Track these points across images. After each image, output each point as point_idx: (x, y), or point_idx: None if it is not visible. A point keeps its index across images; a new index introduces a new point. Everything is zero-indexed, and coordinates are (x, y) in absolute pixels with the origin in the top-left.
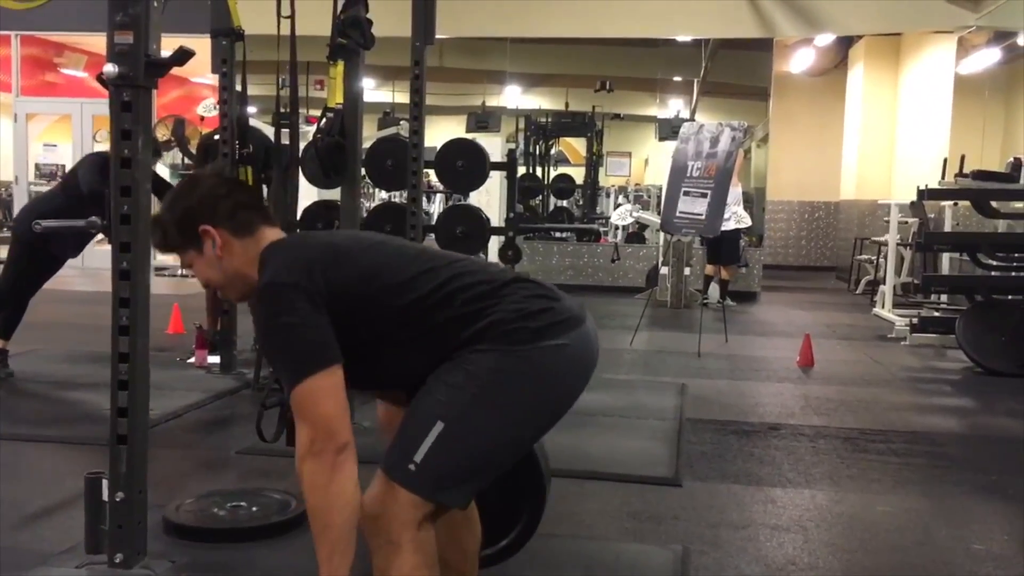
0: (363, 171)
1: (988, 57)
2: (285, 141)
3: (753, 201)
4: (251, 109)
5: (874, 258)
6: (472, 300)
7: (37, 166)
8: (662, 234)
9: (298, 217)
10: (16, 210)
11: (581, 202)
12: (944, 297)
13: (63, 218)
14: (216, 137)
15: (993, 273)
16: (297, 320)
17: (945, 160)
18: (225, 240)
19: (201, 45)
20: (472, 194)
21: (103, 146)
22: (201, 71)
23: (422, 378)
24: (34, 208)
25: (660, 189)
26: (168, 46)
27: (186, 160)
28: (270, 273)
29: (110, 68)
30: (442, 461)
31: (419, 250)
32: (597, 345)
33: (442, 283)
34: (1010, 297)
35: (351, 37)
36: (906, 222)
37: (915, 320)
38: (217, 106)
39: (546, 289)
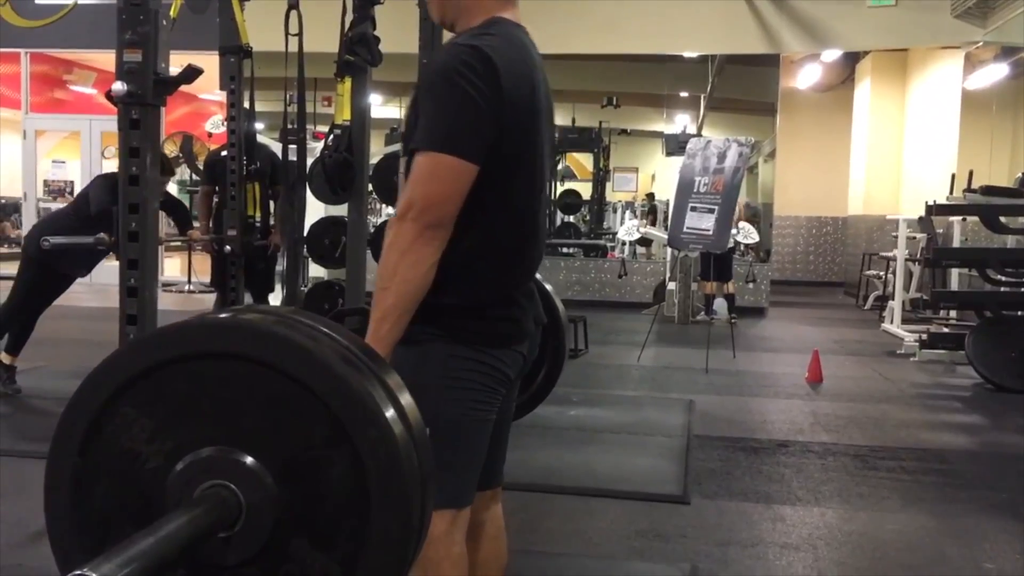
0: (370, 186)
1: (996, 72)
2: (293, 157)
3: (761, 216)
4: (259, 125)
5: (882, 273)
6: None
7: (46, 183)
8: (669, 249)
9: (305, 232)
10: (23, 225)
11: (588, 217)
12: (953, 313)
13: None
14: (224, 153)
15: (1003, 289)
16: (471, 98)
17: (953, 175)
18: None
19: (209, 62)
20: None
21: (112, 163)
22: (209, 88)
23: None
24: (44, 226)
25: (667, 204)
26: (177, 63)
27: (194, 176)
28: (485, 41)
29: (119, 86)
30: (443, 463)
31: (539, 208)
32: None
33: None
34: (1020, 313)
35: (359, 54)
36: (914, 237)
37: (924, 336)
38: (225, 122)
39: (529, 302)
